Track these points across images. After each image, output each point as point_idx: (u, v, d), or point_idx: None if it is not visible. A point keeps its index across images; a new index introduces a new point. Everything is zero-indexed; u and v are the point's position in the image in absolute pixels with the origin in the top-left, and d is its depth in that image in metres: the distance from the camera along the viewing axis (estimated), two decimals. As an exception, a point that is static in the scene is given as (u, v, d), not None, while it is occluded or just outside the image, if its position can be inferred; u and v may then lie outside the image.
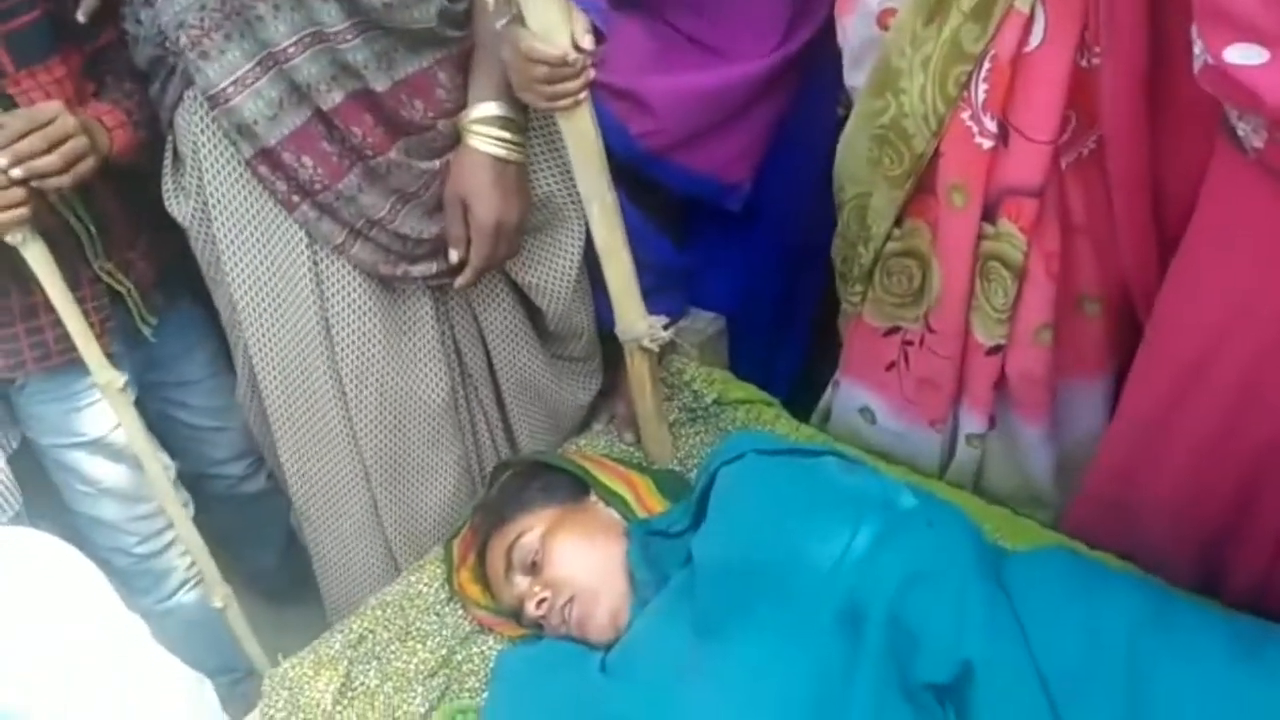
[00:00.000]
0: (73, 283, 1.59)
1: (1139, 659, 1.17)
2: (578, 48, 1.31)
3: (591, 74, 1.34)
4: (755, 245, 1.89)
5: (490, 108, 1.46)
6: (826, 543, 1.28)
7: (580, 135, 1.40)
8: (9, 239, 1.42)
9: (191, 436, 1.96)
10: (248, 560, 2.20)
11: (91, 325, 1.60)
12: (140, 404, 1.74)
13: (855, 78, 1.53)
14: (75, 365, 1.59)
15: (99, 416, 1.71)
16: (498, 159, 1.47)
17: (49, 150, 1.39)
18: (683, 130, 1.70)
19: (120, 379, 1.57)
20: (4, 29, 1.47)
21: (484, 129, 1.46)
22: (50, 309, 1.51)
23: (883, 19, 1.44)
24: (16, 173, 1.37)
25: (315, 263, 1.51)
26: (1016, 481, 1.64)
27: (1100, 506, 1.51)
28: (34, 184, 1.40)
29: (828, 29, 1.56)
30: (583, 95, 1.35)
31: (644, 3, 1.72)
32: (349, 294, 1.54)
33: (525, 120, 1.50)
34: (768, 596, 1.27)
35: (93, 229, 1.62)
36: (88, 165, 1.44)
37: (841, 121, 1.59)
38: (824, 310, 1.88)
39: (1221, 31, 1.05)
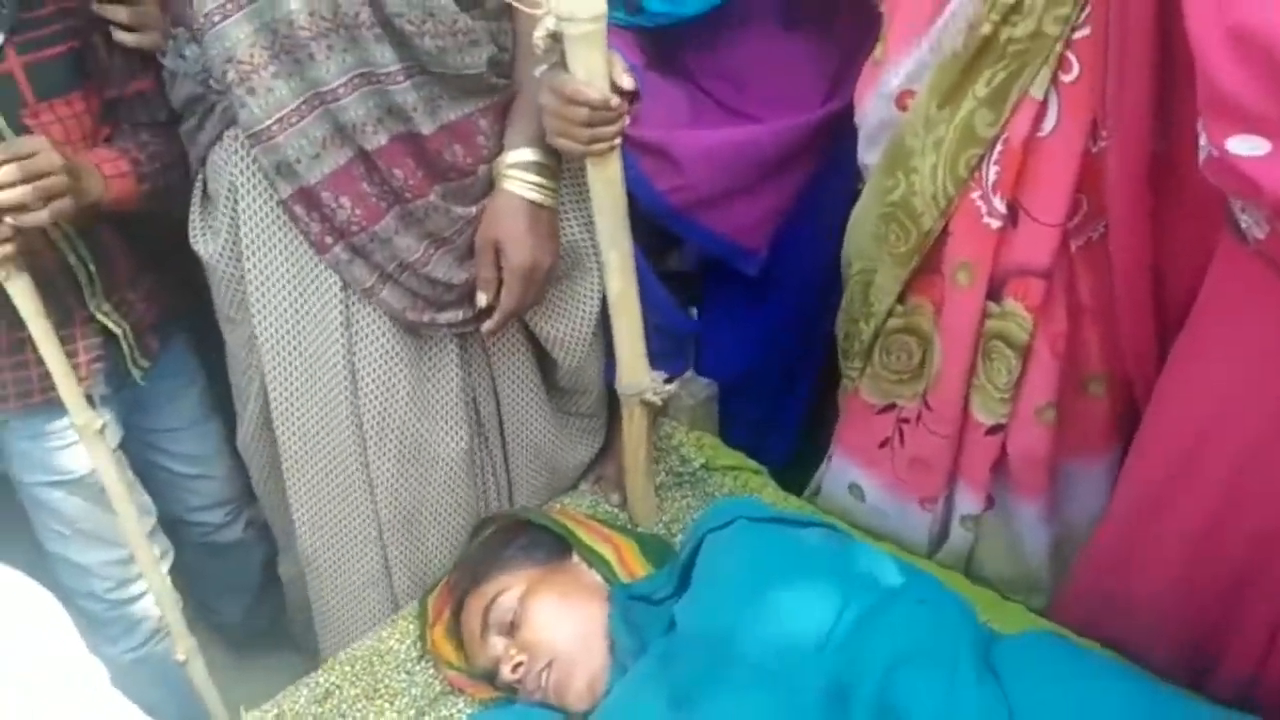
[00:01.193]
0: (64, 320, 1.57)
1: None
2: (617, 91, 1.33)
3: (627, 120, 1.36)
4: (768, 314, 1.89)
5: (526, 153, 1.48)
6: (814, 618, 1.25)
7: (607, 182, 1.42)
8: None
9: (170, 482, 1.93)
10: (217, 609, 2.17)
11: (79, 365, 1.58)
12: (122, 446, 1.71)
13: (869, 156, 1.54)
14: (59, 403, 1.55)
15: (82, 455, 1.67)
16: (533, 203, 1.48)
17: (25, 183, 1.37)
18: (708, 189, 1.71)
19: (98, 420, 1.54)
20: (29, 59, 1.48)
21: (520, 174, 1.48)
22: (37, 346, 1.48)
23: (902, 99, 1.45)
24: None
25: (347, 307, 1.51)
26: (1010, 564, 1.61)
27: (1090, 597, 1.48)
28: (9, 220, 1.37)
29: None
30: (617, 140, 1.37)
31: (679, 67, 1.73)
32: (378, 340, 1.53)
33: (559, 167, 1.52)
34: (750, 670, 1.24)
35: (92, 268, 1.60)
36: (65, 204, 1.42)
37: (857, 196, 1.59)
38: (829, 381, 1.85)
39: (1223, 122, 1.05)
